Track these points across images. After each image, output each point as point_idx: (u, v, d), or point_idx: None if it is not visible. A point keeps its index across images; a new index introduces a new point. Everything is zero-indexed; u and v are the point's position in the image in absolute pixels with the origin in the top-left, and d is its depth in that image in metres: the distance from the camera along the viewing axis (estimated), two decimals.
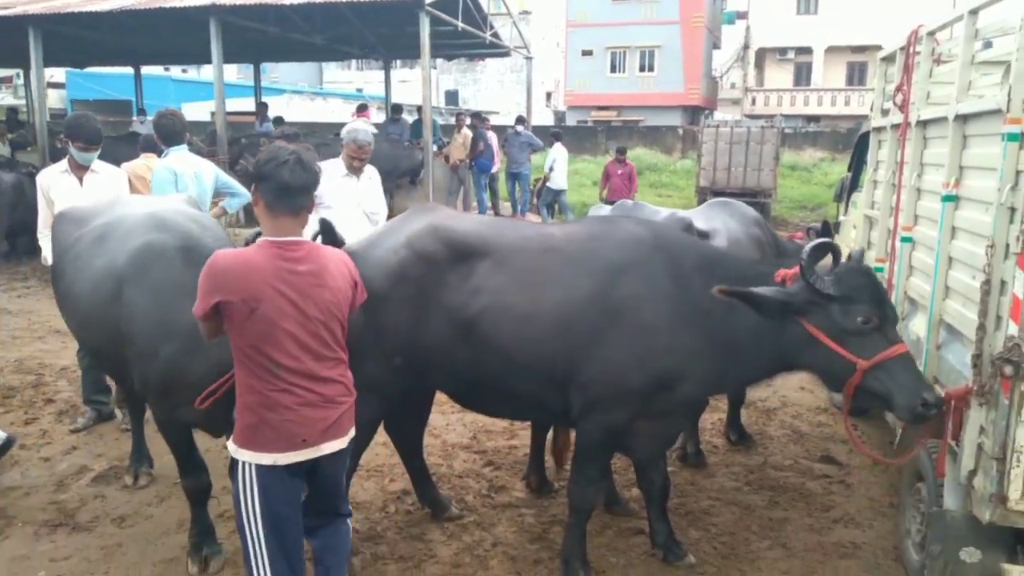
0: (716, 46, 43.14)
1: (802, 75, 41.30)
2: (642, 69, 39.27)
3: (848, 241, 6.38)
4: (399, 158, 13.34)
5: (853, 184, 6.92)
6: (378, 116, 23.20)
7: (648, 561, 4.00)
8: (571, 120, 39.43)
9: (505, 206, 15.98)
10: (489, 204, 15.61)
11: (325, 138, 14.35)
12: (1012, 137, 2.92)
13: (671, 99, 38.11)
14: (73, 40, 16.45)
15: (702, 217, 5.25)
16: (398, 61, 31.84)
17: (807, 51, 40.43)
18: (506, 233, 3.72)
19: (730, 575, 3.89)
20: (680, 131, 30.60)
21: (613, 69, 39.65)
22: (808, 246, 3.30)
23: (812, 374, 3.55)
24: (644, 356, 3.39)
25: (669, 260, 3.51)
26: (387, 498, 4.63)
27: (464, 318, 3.47)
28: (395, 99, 21.05)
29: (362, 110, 15.44)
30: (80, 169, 5.33)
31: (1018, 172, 2.90)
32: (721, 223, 5.18)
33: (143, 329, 3.47)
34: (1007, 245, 2.94)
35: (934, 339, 3.74)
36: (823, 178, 23.76)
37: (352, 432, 2.95)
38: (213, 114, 15.45)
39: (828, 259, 3.32)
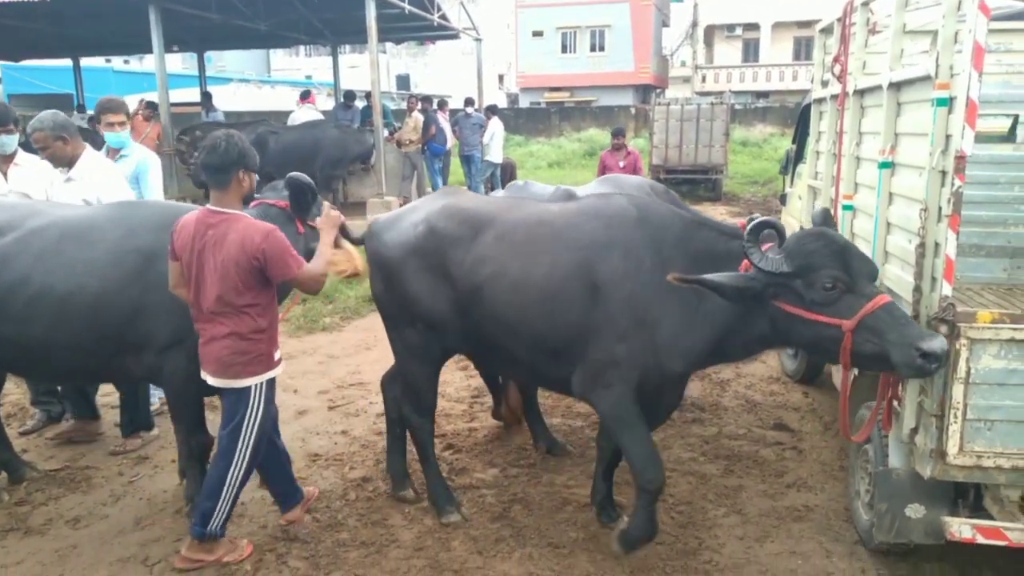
0: (665, 24, 43.37)
1: (750, 51, 41.78)
2: (593, 49, 39.34)
3: (795, 212, 6.49)
4: (349, 144, 13.20)
5: (798, 156, 7.03)
6: (328, 103, 22.92)
7: (608, 534, 4.06)
8: (524, 102, 39.40)
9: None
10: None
11: (273, 126, 14.13)
12: (941, 102, 2.99)
13: (622, 78, 38.25)
14: (6, 31, 15.93)
15: (588, 190, 5.45)
16: (347, 46, 31.47)
17: (754, 27, 40.87)
18: (510, 210, 3.94)
19: (688, 543, 3.97)
20: (633, 110, 30.78)
21: (564, 50, 39.65)
22: (748, 227, 3.18)
23: (807, 352, 3.54)
24: (626, 331, 3.49)
25: (651, 235, 3.57)
26: (347, 486, 4.61)
27: (469, 286, 3.77)
28: (346, 85, 20.82)
29: (305, 96, 15.25)
30: (3, 162, 4.94)
31: (948, 136, 2.98)
32: (595, 190, 5.28)
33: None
34: (939, 208, 3.03)
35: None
36: (773, 153, 24.10)
37: (242, 381, 3.60)
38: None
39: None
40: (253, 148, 3.74)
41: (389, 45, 40.86)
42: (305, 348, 7.31)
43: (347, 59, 33.65)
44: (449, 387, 6.22)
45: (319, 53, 43.10)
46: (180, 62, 34.77)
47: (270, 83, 37.50)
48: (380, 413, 5.64)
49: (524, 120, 31.76)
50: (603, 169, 10.77)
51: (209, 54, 25.06)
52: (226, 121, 15.75)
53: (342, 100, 16.37)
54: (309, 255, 4.47)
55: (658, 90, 37.33)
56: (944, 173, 2.99)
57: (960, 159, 2.90)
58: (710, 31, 42.28)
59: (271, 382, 3.72)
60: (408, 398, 4.27)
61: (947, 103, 2.99)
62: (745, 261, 3.23)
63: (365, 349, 7.28)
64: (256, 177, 3.83)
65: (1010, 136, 4.94)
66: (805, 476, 4.65)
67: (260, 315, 3.60)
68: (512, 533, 4.08)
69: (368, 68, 13.50)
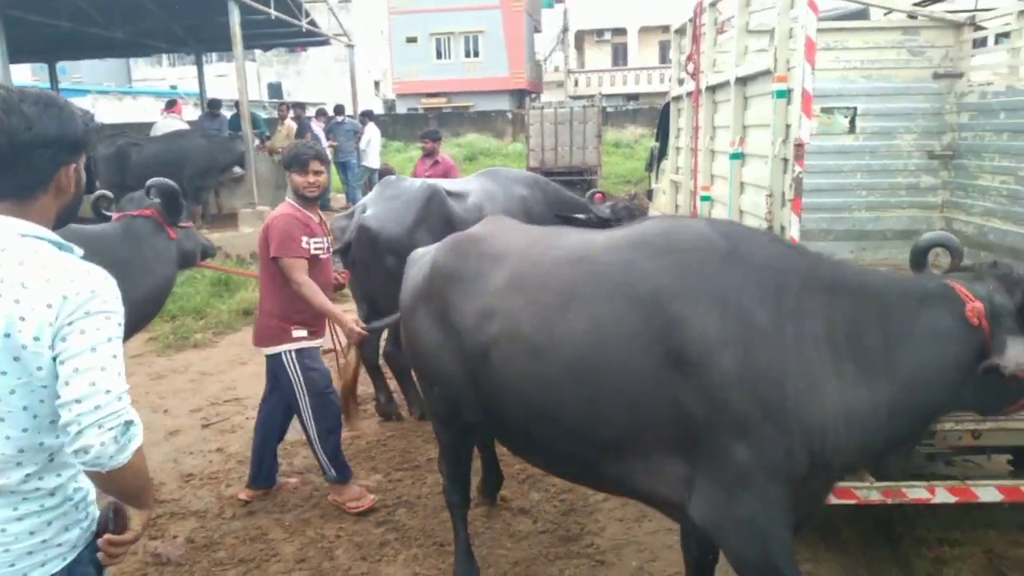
0: (537, 30, 44.11)
1: (619, 55, 43.10)
2: (467, 55, 39.54)
3: (660, 207, 6.75)
4: (217, 153, 12.71)
5: (661, 153, 7.32)
6: (196, 113, 22.03)
7: (492, 528, 4.09)
8: (401, 108, 39.15)
9: (338, 197, 15.69)
10: None
11: (134, 138, 13.46)
12: (780, 94, 3.20)
13: (498, 84, 38.63)
14: None
15: (459, 183, 5.91)
16: (213, 54, 30.31)
17: (622, 32, 42.19)
18: (535, 242, 3.02)
19: (570, 529, 4.05)
20: (509, 115, 31.12)
21: (439, 56, 39.66)
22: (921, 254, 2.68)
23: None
24: (746, 422, 2.36)
25: (757, 277, 2.46)
26: (224, 504, 4.45)
27: (475, 346, 2.86)
28: (214, 94, 19.99)
29: (171, 106, 14.62)
30: None
31: (788, 126, 3.19)
32: (478, 185, 5.78)
33: None
34: (783, 193, 3.23)
35: None
36: (644, 153, 24.84)
37: (270, 348, 4.18)
38: None
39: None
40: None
41: (258, 52, 39.71)
42: (175, 366, 6.99)
43: (214, 68, 32.46)
44: None
45: (184, 62, 41.35)
46: (30, 73, 32.58)
47: (132, 94, 35.65)
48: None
49: (402, 126, 31.55)
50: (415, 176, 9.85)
51: (63, 64, 23.60)
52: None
53: (207, 109, 15.78)
54: (184, 257, 4.40)
55: (533, 95, 37.91)
56: (786, 160, 3.20)
57: (799, 147, 3.10)
58: (580, 36, 43.33)
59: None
60: (440, 461, 3.70)
61: (786, 95, 3.19)
62: (973, 306, 2.32)
63: (240, 364, 7.03)
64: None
65: (851, 128, 5.32)
66: None
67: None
68: (397, 536, 4.05)
69: (236, 76, 13.06)
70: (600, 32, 43.09)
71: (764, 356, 2.35)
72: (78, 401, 1.61)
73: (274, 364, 4.26)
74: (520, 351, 2.70)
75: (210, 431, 5.55)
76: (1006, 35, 4.96)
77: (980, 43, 5.29)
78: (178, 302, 8.08)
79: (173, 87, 39.55)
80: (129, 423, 1.67)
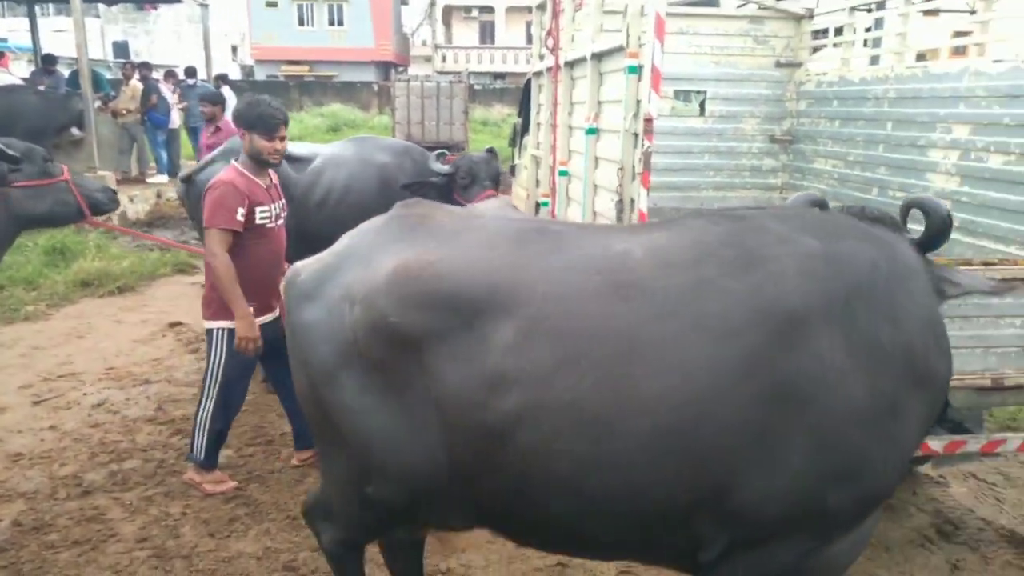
0: (404, 2, 43.40)
1: (487, 33, 43.11)
2: (331, 23, 38.39)
3: (523, 183, 6.84)
4: (53, 111, 11.72)
5: (524, 129, 7.41)
6: (28, 70, 20.23)
7: None
8: (260, 75, 37.55)
9: (189, 164, 14.88)
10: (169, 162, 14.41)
11: None
12: (632, 70, 3.30)
13: (363, 54, 37.78)
14: None
15: (311, 148, 5.82)
16: (50, 6, 27.93)
17: (490, 10, 42.19)
18: (538, 264, 2.13)
19: None
20: (375, 87, 30.55)
21: (301, 22, 38.29)
22: None
23: None
24: (850, 463, 1.99)
25: (870, 286, 2.02)
26: (56, 484, 4.16)
27: (473, 429, 2.07)
28: (49, 50, 18.45)
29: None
30: None
31: (638, 101, 3.30)
32: (331, 150, 5.71)
33: None
34: (633, 167, 3.34)
35: None
36: (511, 131, 25.15)
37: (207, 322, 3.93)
38: None
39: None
40: None
41: (103, 8, 36.80)
42: (3, 340, 6.44)
43: (50, 22, 29.87)
44: (178, 372, 5.82)
45: (14, 13, 37.79)
46: None
47: None
48: (95, 404, 5.19)
49: (261, 93, 30.26)
50: (201, 148, 8.26)
51: None
52: None
53: (41, 65, 14.52)
54: (23, 219, 4.05)
55: (400, 68, 37.35)
56: (636, 135, 3.31)
57: (648, 121, 3.22)
58: (448, 11, 42.99)
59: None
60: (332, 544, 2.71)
61: (637, 71, 3.30)
62: None
63: (77, 338, 6.57)
64: None
65: (701, 111, 5.59)
66: None
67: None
68: (248, 511, 3.93)
69: (75, 33, 12.06)
70: (468, 9, 42.92)
71: (874, 390, 1.96)
72: None
73: (208, 338, 3.99)
74: (562, 429, 1.99)
75: (42, 408, 5.16)
76: (840, 29, 5.35)
77: (820, 35, 5.68)
78: (6, 271, 7.43)
79: (2, 40, 36.09)
80: None
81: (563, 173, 4.67)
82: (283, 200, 4.08)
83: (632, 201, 3.36)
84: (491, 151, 5.31)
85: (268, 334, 3.92)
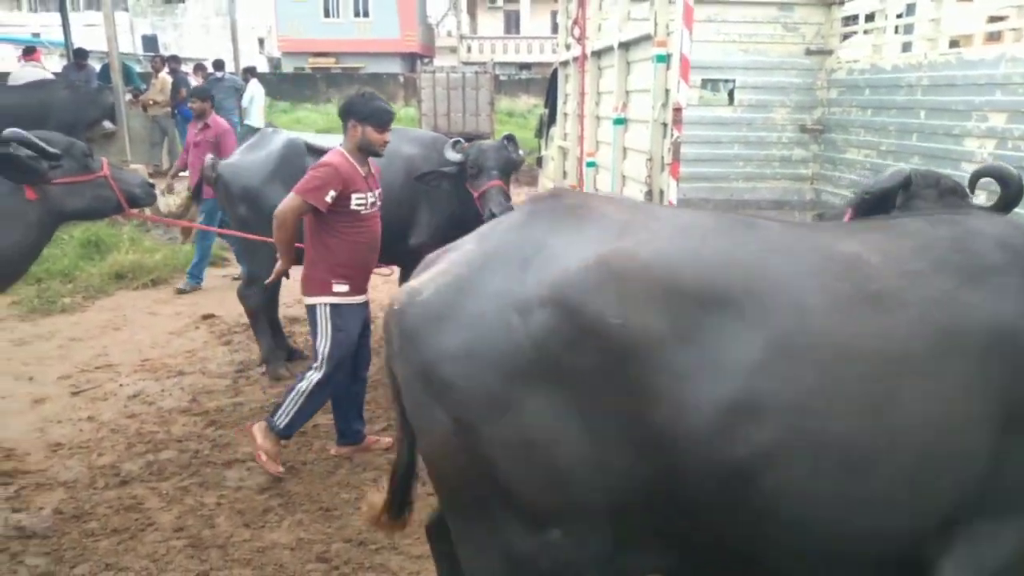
0: None
1: (512, 23, 42.94)
2: (357, 14, 38.46)
3: (549, 174, 6.83)
4: (84, 105, 11.89)
5: (550, 120, 7.39)
6: (60, 65, 20.52)
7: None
8: (288, 67, 37.76)
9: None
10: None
11: None
12: (660, 59, 3.28)
13: (389, 46, 37.81)
14: None
15: (337, 139, 5.75)
16: (81, 1, 28.28)
17: None
18: (768, 263, 1.91)
19: None
20: (401, 79, 30.59)
21: (327, 14, 38.40)
22: None
23: None
24: None
25: None
26: (95, 474, 4.25)
27: (724, 463, 1.79)
28: (82, 46, 18.71)
29: (29, 53, 13.55)
30: None
31: (667, 91, 3.28)
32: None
33: None
34: (662, 158, 3.33)
35: None
36: (537, 122, 25.08)
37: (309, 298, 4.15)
38: None
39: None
40: None
41: (131, 2, 37.29)
42: (41, 332, 6.57)
43: (81, 16, 30.29)
44: (211, 363, 5.91)
45: (46, 7, 38.39)
46: None
47: None
48: (132, 395, 5.30)
49: (289, 86, 30.45)
50: (186, 143, 7.83)
51: None
52: None
53: (73, 59, 14.73)
54: (62, 215, 3.98)
55: (425, 59, 37.39)
56: (665, 125, 3.29)
57: (677, 111, 3.20)
58: (473, 1, 42.87)
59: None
60: None
61: (665, 59, 3.28)
62: None
63: (113, 330, 6.69)
64: None
65: (730, 100, 5.53)
66: None
67: None
68: (282, 502, 3.99)
69: (105, 27, 12.21)
70: None
71: None
72: None
73: (311, 315, 4.21)
74: (823, 464, 1.79)
75: (80, 399, 5.27)
76: (872, 16, 5.26)
77: (850, 21, 5.59)
78: (43, 264, 7.56)
79: (35, 35, 36.64)
80: None
81: (591, 164, 4.65)
82: (379, 189, 4.24)
83: (661, 192, 3.35)
84: (508, 138, 5.26)
85: (310, 315, 4.20)
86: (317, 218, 4.04)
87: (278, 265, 4.23)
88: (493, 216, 4.32)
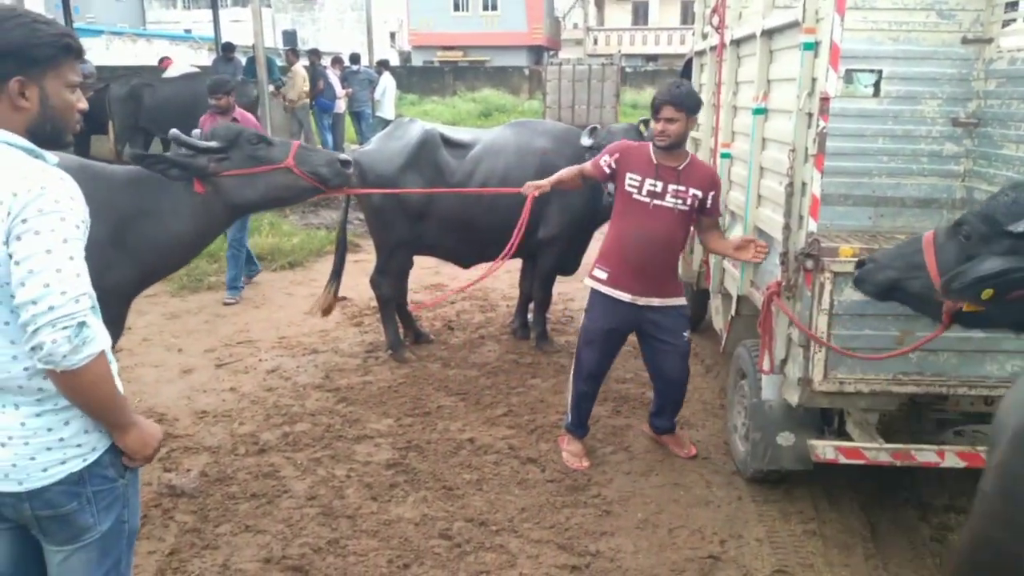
0: None
1: (640, 15, 42.38)
2: (485, 8, 39.00)
3: None
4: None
5: None
6: (209, 58, 21.83)
7: (500, 475, 4.16)
8: (417, 60, 38.77)
9: (352, 148, 15.63)
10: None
11: (147, 79, 13.38)
12: (808, 46, 3.15)
13: (516, 39, 38.15)
14: None
15: (471, 133, 6.00)
16: None
17: None
18: None
19: (577, 480, 4.10)
20: (526, 71, 30.81)
21: (457, 8, 39.15)
22: None
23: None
24: None
25: None
26: (236, 441, 4.52)
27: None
28: (228, 39, 19.86)
29: (162, 61, 14.55)
30: None
31: (814, 80, 3.15)
32: (490, 136, 5.81)
33: None
34: (806, 149, 3.20)
35: None
36: None
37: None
38: None
39: None
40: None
41: None
42: (189, 307, 7.05)
43: (228, 12, 32.20)
44: (343, 343, 6.16)
45: (198, 5, 41.01)
46: (43, 9, 32.31)
47: (145, 36, 35.34)
48: (270, 370, 5.58)
49: (417, 79, 31.26)
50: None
51: (76, 3, 23.40)
52: (97, 74, 14.81)
53: (221, 53, 15.65)
54: (241, 207, 3.90)
55: (551, 51, 37.48)
56: (810, 115, 3.16)
57: (824, 100, 3.07)
58: None
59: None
60: None
61: (813, 47, 3.15)
62: None
63: (253, 308, 7.09)
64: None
65: (875, 91, 5.24)
66: (688, 415, 4.86)
67: None
68: (407, 479, 4.11)
69: (251, 22, 12.91)
70: None
71: None
72: (33, 302, 1.66)
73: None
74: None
75: (223, 371, 5.61)
76: None
77: (1012, 7, 5.18)
78: None
79: (187, 31, 39.19)
80: (83, 324, 1.70)
81: (725, 155, 4.53)
82: (682, 187, 3.87)
83: (804, 185, 3.22)
84: (644, 122, 5.23)
85: (628, 316, 4.04)
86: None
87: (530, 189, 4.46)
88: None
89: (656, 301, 4.00)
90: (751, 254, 3.78)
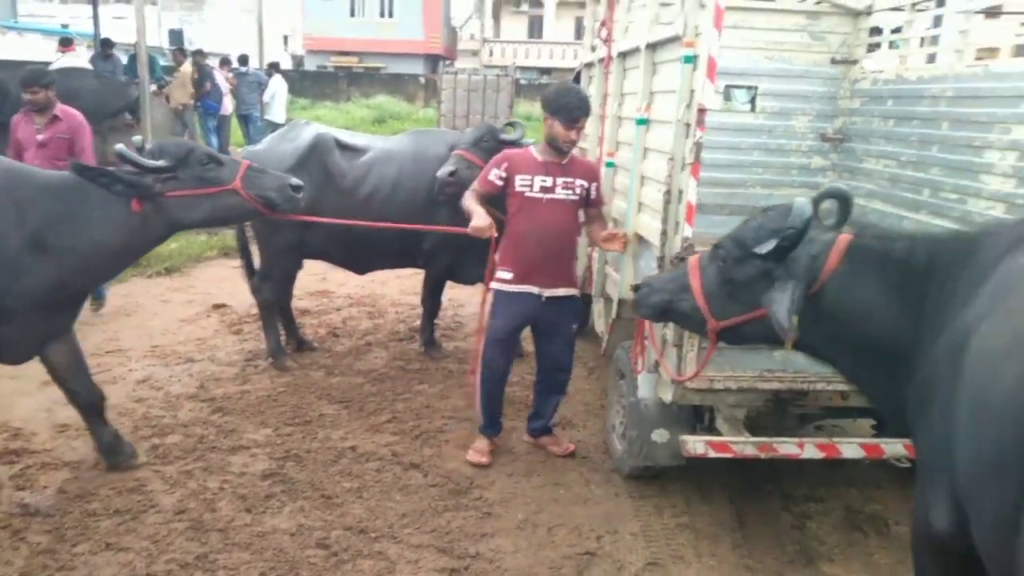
0: None
1: (535, 28, 43.02)
2: (382, 15, 38.63)
3: None
4: (108, 96, 11.99)
5: None
6: (88, 55, 20.69)
7: (382, 481, 4.08)
8: (311, 65, 37.95)
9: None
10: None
11: (15, 73, 12.52)
12: (687, 59, 3.25)
13: (412, 47, 37.95)
14: None
15: (368, 139, 5.89)
16: None
17: (539, 4, 42.07)
18: None
19: (460, 483, 4.08)
20: (422, 79, 30.68)
21: (352, 14, 38.60)
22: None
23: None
24: None
25: None
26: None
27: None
28: (108, 37, 18.87)
29: (66, 44, 13.67)
30: None
31: (692, 91, 3.25)
32: (386, 144, 5.73)
33: None
34: (683, 158, 3.30)
35: (630, 251, 4.14)
36: None
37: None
38: None
39: None
40: None
41: None
42: None
43: (110, 9, 30.62)
44: (220, 352, 5.91)
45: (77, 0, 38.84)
46: None
47: (16, 29, 33.14)
48: (140, 380, 5.30)
49: (310, 83, 30.61)
50: (15, 143, 6.02)
51: None
52: None
53: (99, 49, 14.86)
54: (182, 225, 3.79)
55: (447, 61, 37.51)
56: (688, 125, 3.26)
57: (701, 111, 3.17)
58: (498, 5, 43.00)
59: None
60: None
61: (692, 60, 3.25)
62: None
63: (124, 316, 6.71)
64: None
65: (751, 107, 5.47)
66: (569, 415, 4.92)
67: None
68: (284, 489, 3.97)
69: (134, 20, 12.29)
70: (517, 2, 42.88)
71: None
72: None
73: None
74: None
75: None
76: (899, 28, 5.20)
77: (876, 32, 5.53)
78: None
79: (64, 26, 37.02)
80: None
81: (609, 164, 4.63)
82: (569, 178, 4.06)
83: (681, 192, 3.32)
84: (511, 124, 5.51)
85: (534, 310, 4.15)
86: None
87: (475, 226, 4.18)
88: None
89: (560, 291, 4.16)
90: (618, 245, 3.99)
